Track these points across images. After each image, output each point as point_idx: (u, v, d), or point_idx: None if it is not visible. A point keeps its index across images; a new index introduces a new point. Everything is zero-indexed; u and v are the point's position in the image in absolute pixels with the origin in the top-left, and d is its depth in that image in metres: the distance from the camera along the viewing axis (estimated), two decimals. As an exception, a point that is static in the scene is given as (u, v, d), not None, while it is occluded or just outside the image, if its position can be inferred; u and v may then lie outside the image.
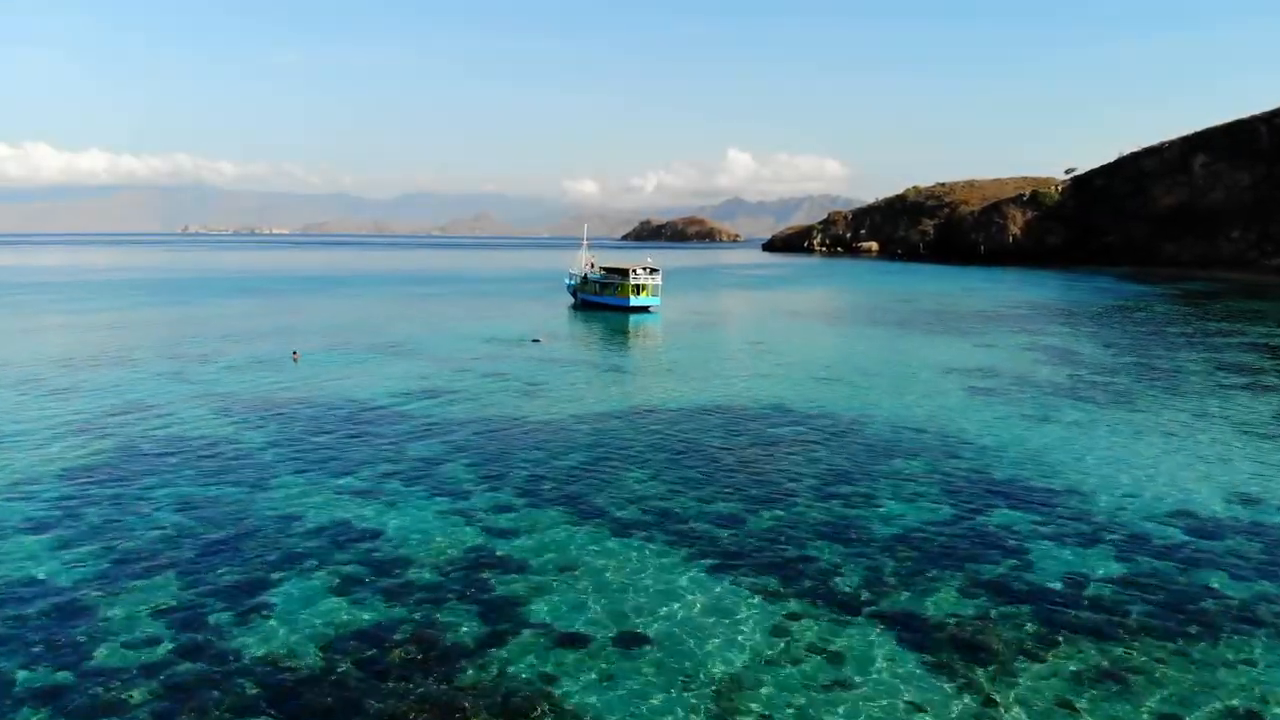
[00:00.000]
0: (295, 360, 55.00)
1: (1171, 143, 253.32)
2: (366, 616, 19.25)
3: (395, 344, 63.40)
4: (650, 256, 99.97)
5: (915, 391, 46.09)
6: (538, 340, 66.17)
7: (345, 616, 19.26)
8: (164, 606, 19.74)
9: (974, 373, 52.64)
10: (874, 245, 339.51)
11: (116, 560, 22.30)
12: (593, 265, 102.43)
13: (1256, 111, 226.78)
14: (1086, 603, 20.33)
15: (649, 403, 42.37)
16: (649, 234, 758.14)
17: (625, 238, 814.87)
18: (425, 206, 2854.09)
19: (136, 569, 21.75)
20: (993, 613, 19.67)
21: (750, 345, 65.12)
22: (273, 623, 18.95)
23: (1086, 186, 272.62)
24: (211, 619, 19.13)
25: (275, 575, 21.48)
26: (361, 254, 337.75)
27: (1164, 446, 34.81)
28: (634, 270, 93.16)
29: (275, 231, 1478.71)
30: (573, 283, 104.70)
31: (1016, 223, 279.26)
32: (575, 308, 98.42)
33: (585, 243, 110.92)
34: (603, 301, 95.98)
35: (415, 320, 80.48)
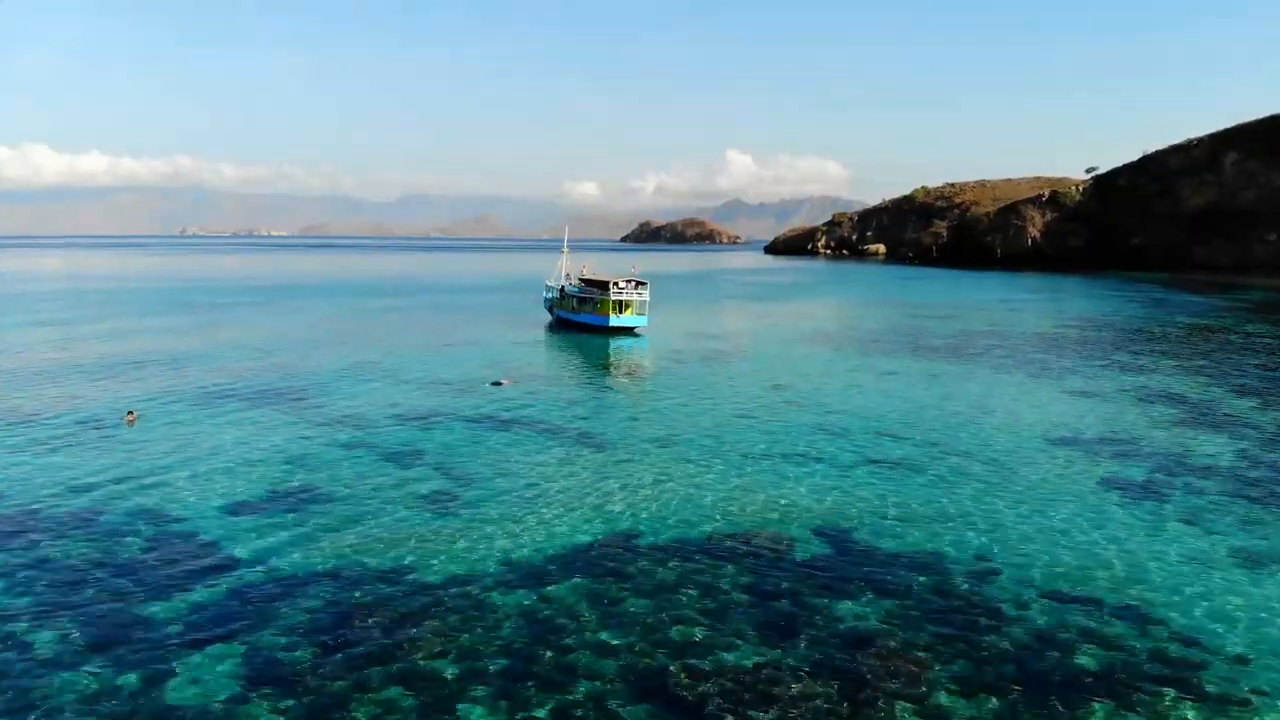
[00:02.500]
0: (130, 423, 39.36)
1: (1200, 140, 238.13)
2: None
3: (298, 390, 47.62)
4: (635, 266, 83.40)
5: (1037, 493, 30.26)
6: (499, 383, 50.62)
7: None
8: None
9: (1098, 448, 36.81)
10: (881, 248, 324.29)
11: None
12: (582, 273, 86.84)
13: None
14: None
15: (625, 525, 26.61)
16: (648, 236, 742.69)
17: (624, 240, 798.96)
18: (426, 208, 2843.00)
19: None
20: None
21: (769, 392, 49.30)
22: None
23: (1109, 186, 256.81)
24: None
25: None
26: (347, 258, 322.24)
27: None
28: (615, 284, 77.27)
29: (274, 234, 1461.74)
30: (551, 296, 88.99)
31: (1035, 224, 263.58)
32: (552, 327, 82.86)
33: (565, 250, 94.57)
34: (581, 320, 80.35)
35: (351, 349, 64.69)
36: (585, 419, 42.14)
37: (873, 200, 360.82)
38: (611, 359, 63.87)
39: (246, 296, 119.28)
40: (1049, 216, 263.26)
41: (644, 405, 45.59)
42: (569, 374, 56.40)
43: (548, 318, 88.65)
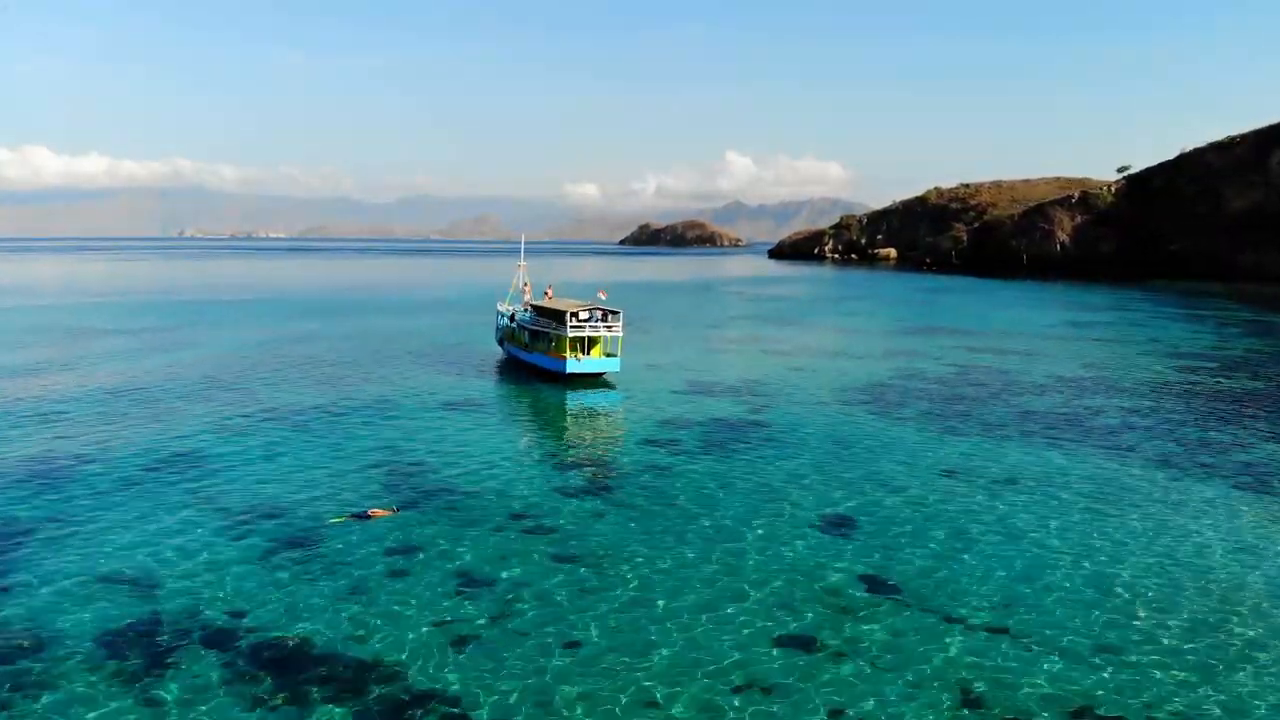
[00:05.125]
0: None
1: (1243, 137, 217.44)
2: None
3: (8, 537, 27.15)
4: (602, 293, 62.01)
5: None
6: (364, 515, 30.15)
7: None
8: None
9: None
10: (891, 252, 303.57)
11: None
12: (546, 297, 66.35)
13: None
14: None
15: None
16: (648, 238, 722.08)
17: (624, 242, 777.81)
18: (426, 209, 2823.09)
19: None
20: None
21: (828, 538, 28.80)
22: None
23: (1144, 187, 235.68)
24: None
25: None
26: (321, 264, 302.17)
27: None
28: (573, 315, 56.61)
29: (272, 235, 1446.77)
30: (503, 325, 68.20)
31: (1064, 228, 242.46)
32: (501, 368, 62.48)
33: (522, 264, 73.31)
34: (533, 362, 59.96)
35: (189, 424, 44.16)
36: (488, 634, 21.44)
37: (874, 202, 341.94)
38: (567, 439, 43.43)
39: (142, 319, 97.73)
40: (1079, 220, 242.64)
41: (607, 585, 24.84)
42: (490, 483, 35.32)
43: (499, 353, 68.21)
